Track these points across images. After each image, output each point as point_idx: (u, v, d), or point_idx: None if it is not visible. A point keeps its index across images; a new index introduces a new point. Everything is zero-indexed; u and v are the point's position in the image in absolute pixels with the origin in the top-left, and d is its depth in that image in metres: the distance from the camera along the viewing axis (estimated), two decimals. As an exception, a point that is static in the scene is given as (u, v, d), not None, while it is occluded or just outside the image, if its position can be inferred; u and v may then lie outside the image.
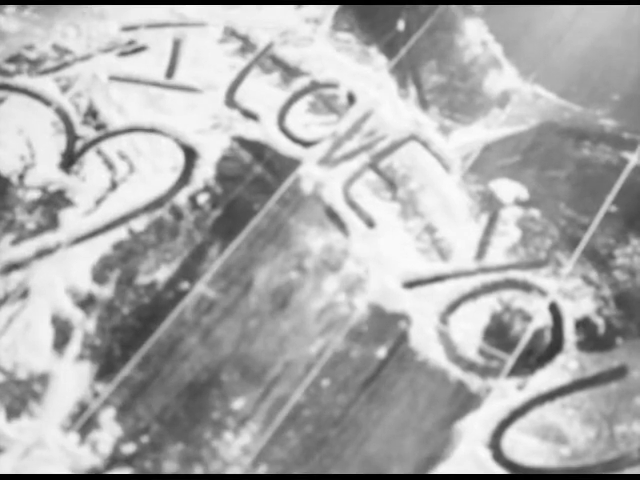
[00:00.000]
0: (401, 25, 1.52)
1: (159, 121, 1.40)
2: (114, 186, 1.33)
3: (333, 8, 1.53)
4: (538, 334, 1.21)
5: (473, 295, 1.24)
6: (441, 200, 1.32)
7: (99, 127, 1.39)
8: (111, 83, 1.44)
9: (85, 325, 1.20)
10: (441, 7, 1.54)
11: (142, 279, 1.25)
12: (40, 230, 1.28)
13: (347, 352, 1.19)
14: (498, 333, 1.21)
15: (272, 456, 1.11)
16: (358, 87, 1.43)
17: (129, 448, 1.12)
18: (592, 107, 1.42)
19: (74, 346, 1.19)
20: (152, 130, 1.39)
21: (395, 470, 1.11)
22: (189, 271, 1.25)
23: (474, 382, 1.17)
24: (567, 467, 1.11)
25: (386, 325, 1.21)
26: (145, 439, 1.12)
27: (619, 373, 1.17)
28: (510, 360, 1.18)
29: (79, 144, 1.37)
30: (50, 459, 1.11)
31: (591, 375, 1.17)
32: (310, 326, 1.21)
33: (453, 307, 1.22)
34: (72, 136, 1.38)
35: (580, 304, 1.23)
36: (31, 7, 1.52)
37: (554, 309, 1.22)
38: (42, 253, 1.26)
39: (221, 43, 1.49)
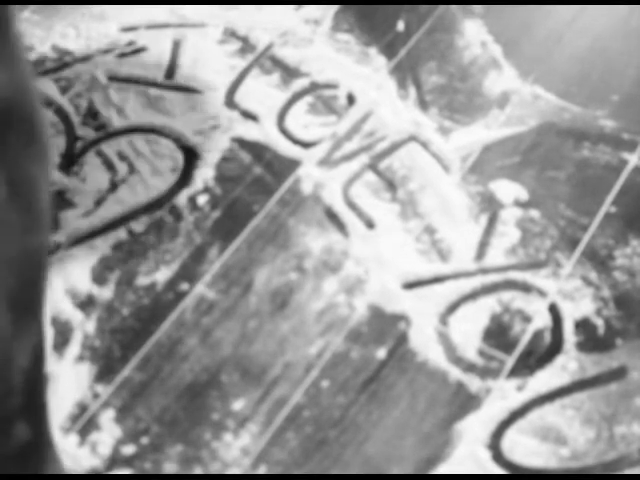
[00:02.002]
0: (401, 26, 1.52)
1: (159, 122, 1.40)
2: (114, 187, 1.33)
3: (333, 9, 1.53)
4: (538, 335, 1.21)
5: (473, 296, 1.23)
6: (441, 201, 1.32)
7: (99, 128, 1.39)
8: (111, 84, 1.44)
9: (85, 326, 1.20)
10: (441, 8, 1.54)
11: (142, 280, 1.25)
12: (40, 231, 1.28)
13: (347, 353, 1.19)
14: (498, 334, 1.21)
15: (272, 457, 1.11)
16: (358, 88, 1.43)
17: (129, 449, 1.12)
18: (592, 108, 1.42)
19: (74, 347, 1.19)
20: (152, 131, 1.39)
21: (395, 471, 1.11)
22: (189, 272, 1.25)
23: (474, 383, 1.17)
24: (567, 468, 1.11)
25: (386, 326, 1.21)
26: (145, 440, 1.12)
27: (619, 374, 1.17)
28: (510, 361, 1.18)
29: (79, 145, 1.37)
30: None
31: (591, 376, 1.17)
32: (310, 327, 1.21)
33: (453, 308, 1.22)
34: (72, 137, 1.38)
35: (580, 305, 1.23)
36: (31, 8, 1.52)
37: (554, 310, 1.22)
38: (42, 254, 1.26)
39: (221, 44, 1.49)
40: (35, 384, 0.76)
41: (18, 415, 0.74)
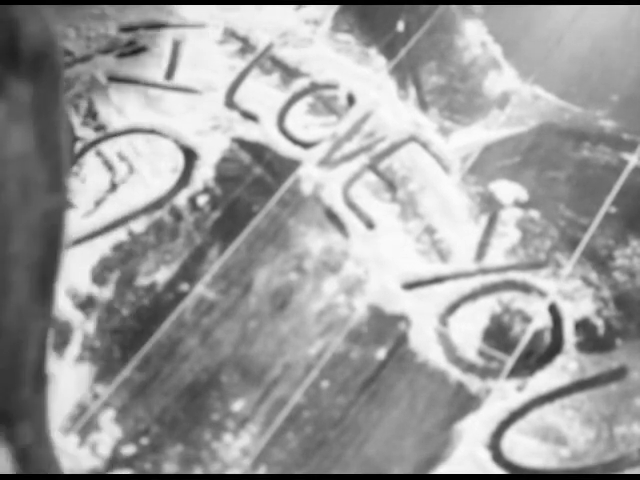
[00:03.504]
0: (401, 26, 1.52)
1: (159, 122, 1.40)
2: (114, 187, 1.33)
3: (333, 9, 1.53)
4: (538, 335, 1.21)
5: (473, 296, 1.23)
6: (441, 201, 1.32)
7: (98, 128, 1.39)
8: (111, 84, 1.44)
9: (85, 326, 1.20)
10: (441, 8, 1.54)
11: (142, 280, 1.25)
12: (40, 231, 1.28)
13: (347, 353, 1.19)
14: (498, 334, 1.21)
15: (272, 457, 1.11)
16: (358, 88, 1.43)
17: (129, 450, 1.12)
18: (592, 108, 1.42)
19: (74, 347, 1.19)
20: (152, 131, 1.39)
21: (395, 471, 1.11)
22: (189, 272, 1.25)
23: (474, 383, 1.17)
24: (567, 468, 1.11)
25: (386, 326, 1.21)
26: (145, 441, 1.12)
27: (619, 374, 1.17)
28: (510, 361, 1.18)
29: (79, 145, 1.37)
30: (50, 461, 1.11)
31: (591, 376, 1.17)
32: (310, 327, 1.21)
33: (453, 308, 1.22)
34: (72, 137, 1.38)
35: (580, 305, 1.23)
36: (31, 8, 1.52)
37: (554, 310, 1.22)
38: (42, 254, 1.26)
39: (221, 44, 1.49)
40: (40, 377, 0.75)
41: (23, 412, 0.74)
